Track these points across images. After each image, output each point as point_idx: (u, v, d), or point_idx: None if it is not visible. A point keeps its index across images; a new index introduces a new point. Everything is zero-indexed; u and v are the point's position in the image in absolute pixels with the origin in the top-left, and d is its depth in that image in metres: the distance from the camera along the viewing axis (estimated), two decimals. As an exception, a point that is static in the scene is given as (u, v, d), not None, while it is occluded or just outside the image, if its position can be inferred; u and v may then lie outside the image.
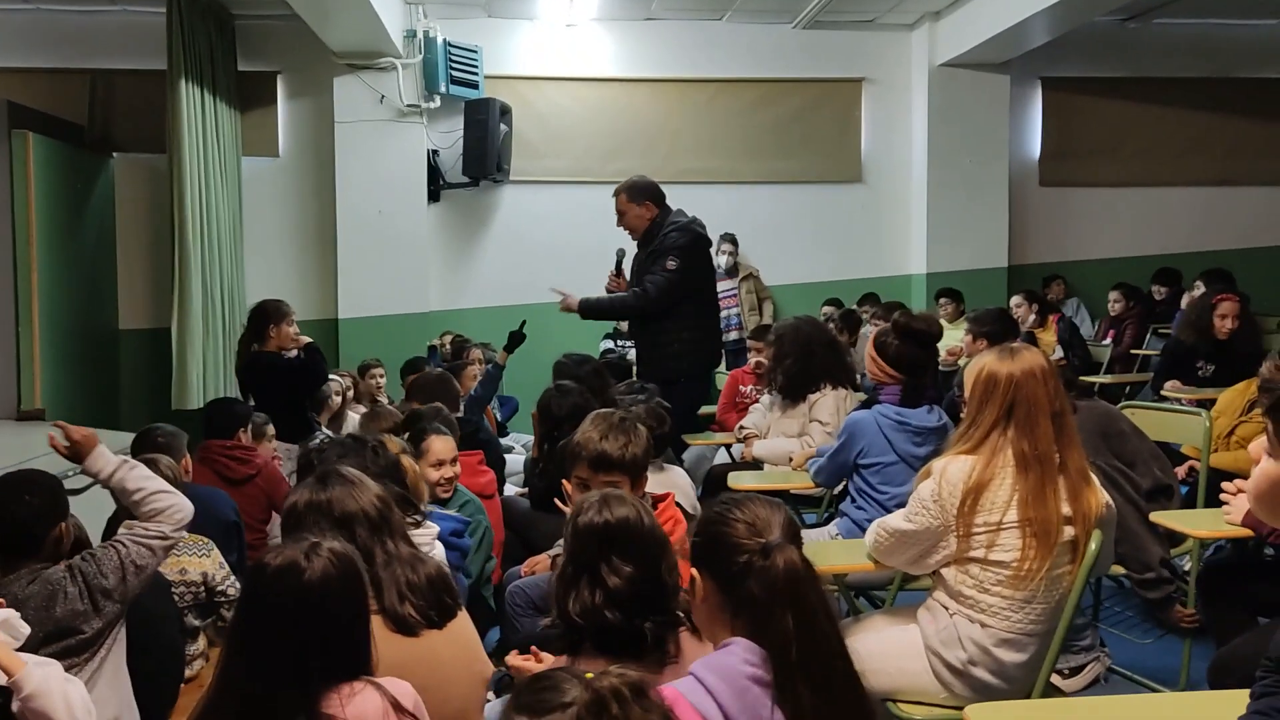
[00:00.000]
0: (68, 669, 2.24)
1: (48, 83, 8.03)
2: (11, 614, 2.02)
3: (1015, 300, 7.46)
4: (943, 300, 8.07)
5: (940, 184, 8.70)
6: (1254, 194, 9.25)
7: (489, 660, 2.14)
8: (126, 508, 2.55)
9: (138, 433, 3.74)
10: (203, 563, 3.05)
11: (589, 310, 5.34)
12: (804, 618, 1.63)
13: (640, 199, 5.22)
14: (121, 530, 2.50)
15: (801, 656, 1.60)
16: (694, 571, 1.73)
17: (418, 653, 1.97)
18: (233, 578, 3.10)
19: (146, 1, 7.67)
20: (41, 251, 6.55)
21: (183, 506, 2.49)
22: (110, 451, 2.57)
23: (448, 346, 7.57)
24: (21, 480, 2.47)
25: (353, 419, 5.81)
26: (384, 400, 6.31)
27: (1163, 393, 5.48)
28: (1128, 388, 6.95)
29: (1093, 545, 2.37)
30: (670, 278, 5.06)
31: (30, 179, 6.47)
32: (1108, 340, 7.82)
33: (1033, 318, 7.30)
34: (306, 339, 5.14)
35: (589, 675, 1.32)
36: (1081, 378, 6.43)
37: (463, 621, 2.08)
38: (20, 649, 1.98)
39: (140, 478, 2.53)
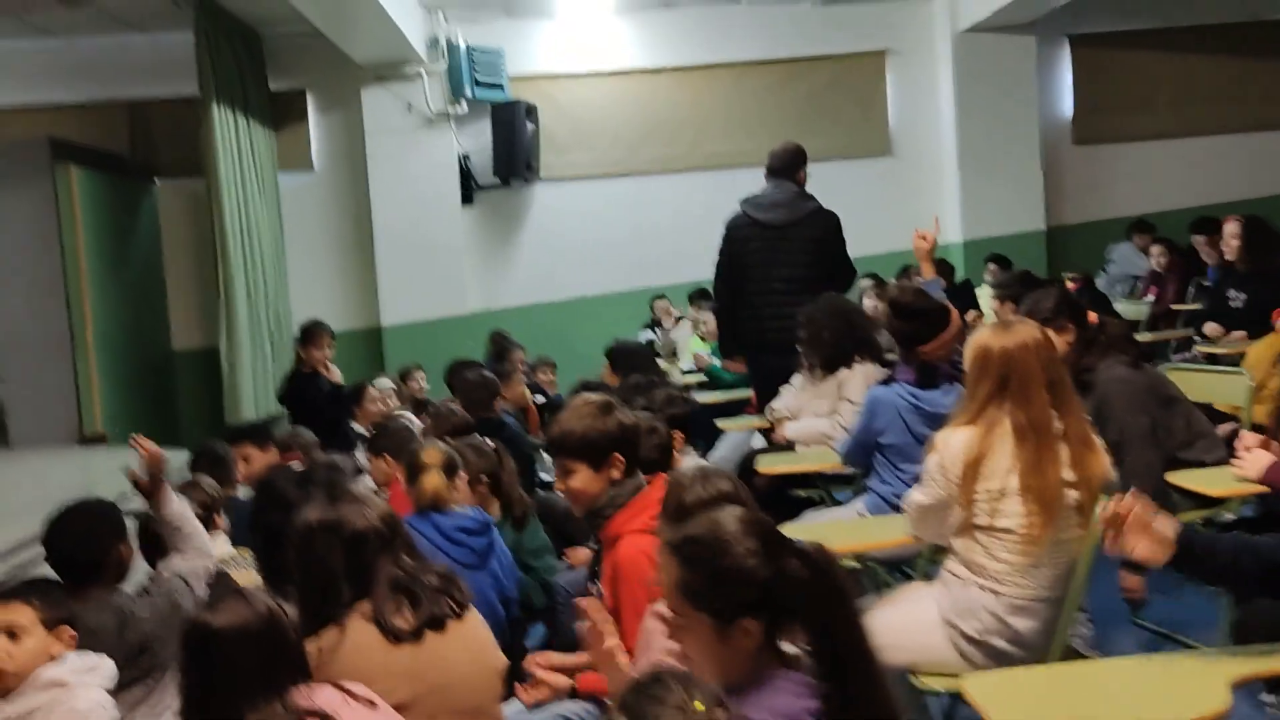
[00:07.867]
0: (146, 689, 2.46)
1: (87, 116, 8.28)
2: (102, 664, 2.24)
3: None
4: (991, 265, 8.01)
5: (971, 151, 8.64)
6: (1294, 137, 9.04)
7: (502, 654, 2.23)
8: (167, 536, 2.77)
9: (198, 449, 3.97)
10: (247, 575, 3.18)
11: None
12: None
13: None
14: (176, 561, 2.72)
15: None
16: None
17: (423, 657, 2.07)
18: None
19: (175, 27, 7.74)
20: (92, 280, 6.80)
21: (206, 541, 2.84)
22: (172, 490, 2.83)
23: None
24: (77, 512, 2.64)
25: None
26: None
27: (1202, 332, 5.57)
28: (1171, 344, 6.87)
29: (1098, 510, 2.40)
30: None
31: (76, 210, 6.72)
32: (1150, 297, 7.71)
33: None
34: (337, 375, 5.60)
35: (698, 707, 1.31)
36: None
37: (470, 620, 2.17)
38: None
39: (183, 515, 2.79)
